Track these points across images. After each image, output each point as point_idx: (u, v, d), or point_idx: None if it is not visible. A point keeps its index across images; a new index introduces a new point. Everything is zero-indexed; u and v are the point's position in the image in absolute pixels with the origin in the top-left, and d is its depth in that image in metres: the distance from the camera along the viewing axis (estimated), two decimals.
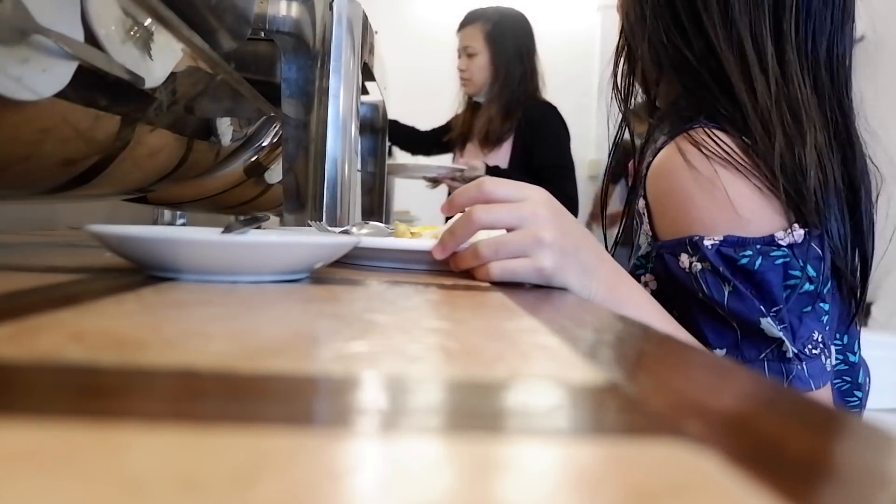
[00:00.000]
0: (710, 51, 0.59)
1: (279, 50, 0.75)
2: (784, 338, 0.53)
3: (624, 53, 0.69)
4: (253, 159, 0.90)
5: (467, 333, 0.27)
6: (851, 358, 0.62)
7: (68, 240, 0.78)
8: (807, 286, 0.54)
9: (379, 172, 1.39)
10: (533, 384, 0.19)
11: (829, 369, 0.56)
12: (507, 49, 1.93)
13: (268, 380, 0.18)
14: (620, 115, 0.71)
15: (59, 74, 0.39)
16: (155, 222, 1.28)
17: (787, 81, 0.58)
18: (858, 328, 0.64)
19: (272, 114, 0.81)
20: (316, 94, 0.75)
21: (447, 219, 0.68)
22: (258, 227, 0.48)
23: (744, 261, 0.54)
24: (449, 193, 2.07)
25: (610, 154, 0.74)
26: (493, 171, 1.86)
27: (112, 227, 0.39)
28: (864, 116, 0.62)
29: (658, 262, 0.61)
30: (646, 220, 0.63)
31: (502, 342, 0.26)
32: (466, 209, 0.51)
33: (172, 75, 0.52)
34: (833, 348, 0.59)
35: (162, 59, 0.50)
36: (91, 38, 0.41)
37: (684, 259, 0.57)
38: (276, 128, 0.88)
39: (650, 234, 0.62)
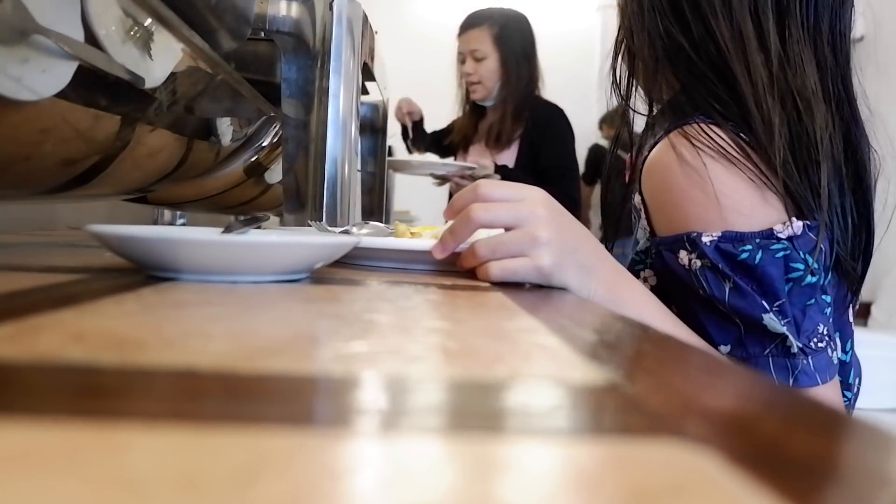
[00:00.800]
0: (709, 35, 0.58)
1: (279, 50, 0.75)
2: (788, 333, 0.53)
3: (623, 48, 0.68)
4: (253, 159, 0.90)
5: (467, 333, 0.27)
6: (842, 357, 0.62)
7: (68, 240, 0.78)
8: (809, 278, 0.54)
9: (379, 172, 1.39)
10: (533, 384, 0.19)
11: (835, 362, 0.56)
12: (516, 51, 1.92)
13: (268, 380, 0.18)
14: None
15: (59, 74, 0.39)
16: (155, 222, 1.28)
17: (790, 59, 0.57)
18: (853, 327, 0.64)
19: (272, 114, 0.81)
20: (316, 94, 0.75)
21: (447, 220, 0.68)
22: (258, 227, 0.48)
23: (744, 255, 0.54)
24: (451, 193, 2.07)
25: (609, 151, 0.74)
26: (501, 170, 1.86)
27: (112, 227, 0.39)
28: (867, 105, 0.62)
29: (657, 259, 0.60)
30: (643, 214, 0.62)
31: (502, 342, 0.26)
32: (466, 210, 0.51)
33: (172, 75, 0.52)
34: (839, 340, 0.59)
35: (162, 59, 0.50)
36: (91, 38, 0.41)
37: (683, 256, 0.56)
38: (276, 128, 0.88)
39: (648, 229, 0.62)
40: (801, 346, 0.53)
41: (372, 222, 0.68)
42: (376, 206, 1.38)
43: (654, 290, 0.61)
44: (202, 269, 0.38)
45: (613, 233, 0.71)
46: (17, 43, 0.35)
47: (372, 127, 1.38)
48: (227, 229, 0.46)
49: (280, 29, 0.73)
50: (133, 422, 0.13)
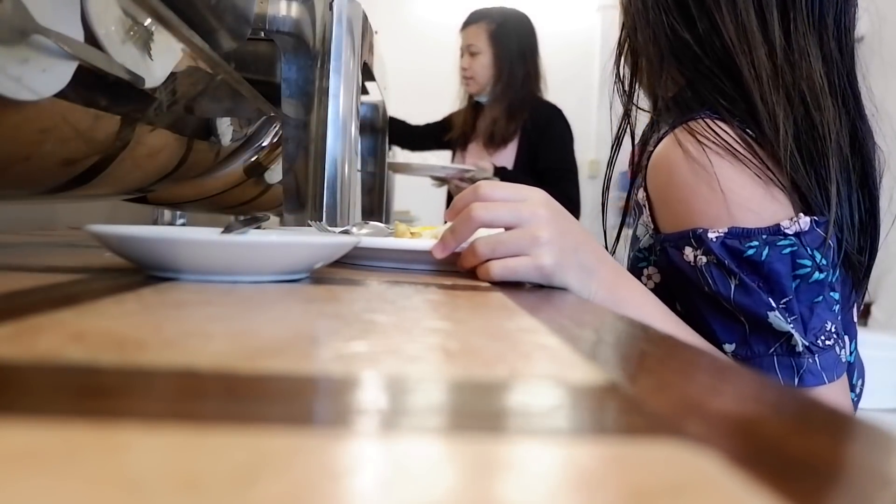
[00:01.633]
0: (714, 30, 0.58)
1: (279, 50, 0.75)
2: (793, 331, 0.52)
3: (626, 46, 0.68)
4: (253, 159, 0.90)
5: (467, 333, 0.27)
6: (847, 357, 0.61)
7: (68, 240, 0.78)
8: (816, 275, 0.53)
9: (379, 172, 1.39)
10: (533, 384, 0.19)
11: (843, 360, 0.55)
12: (511, 49, 1.93)
13: (268, 380, 0.18)
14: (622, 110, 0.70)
15: (59, 74, 0.39)
16: (155, 222, 1.28)
17: (795, 53, 0.57)
18: (857, 327, 0.63)
19: (272, 114, 0.81)
20: (316, 94, 0.75)
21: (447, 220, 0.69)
22: (258, 227, 0.48)
23: (750, 252, 0.53)
24: (450, 193, 2.08)
25: (612, 148, 0.73)
26: (499, 171, 1.86)
27: (112, 227, 0.39)
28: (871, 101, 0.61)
29: (662, 256, 0.60)
30: (646, 211, 0.62)
31: (502, 342, 0.26)
32: (466, 209, 0.51)
33: (172, 75, 0.52)
34: (847, 338, 0.58)
35: (162, 59, 0.50)
36: (91, 38, 0.41)
37: (688, 252, 0.56)
38: (276, 128, 0.88)
39: (651, 225, 0.61)
40: (807, 344, 0.53)
41: (372, 222, 0.68)
42: (376, 206, 1.38)
43: (658, 287, 0.61)
44: (202, 269, 0.38)
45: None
46: (17, 43, 0.35)
47: (372, 127, 1.38)
48: (227, 229, 0.46)
49: (280, 29, 0.73)
50: (133, 422, 0.13)
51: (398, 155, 2.30)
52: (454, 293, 0.41)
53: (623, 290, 0.53)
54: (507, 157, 1.95)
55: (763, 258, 0.53)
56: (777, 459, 0.14)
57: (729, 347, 0.55)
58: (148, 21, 0.48)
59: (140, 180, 0.63)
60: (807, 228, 0.53)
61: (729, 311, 0.55)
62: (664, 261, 0.59)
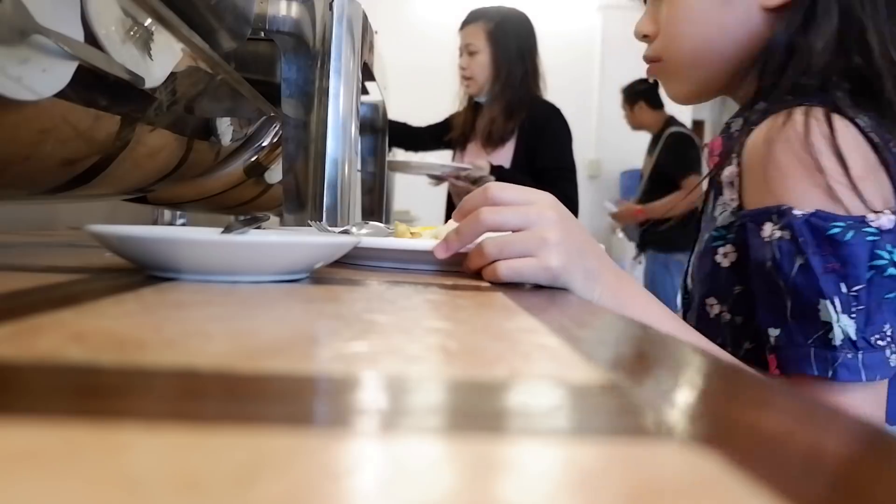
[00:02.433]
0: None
1: (279, 50, 0.75)
2: (840, 325, 0.52)
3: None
4: (253, 159, 0.90)
5: (467, 333, 0.27)
6: None
7: (68, 240, 0.78)
8: (891, 270, 0.53)
9: (379, 172, 1.39)
10: (533, 384, 0.19)
11: (892, 365, 0.54)
12: (509, 48, 1.93)
13: (268, 380, 0.18)
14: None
15: (59, 74, 0.39)
16: (155, 222, 1.28)
17: None
18: None
19: (272, 114, 0.81)
20: (316, 94, 0.75)
21: (447, 219, 0.69)
22: (258, 227, 0.48)
23: (833, 231, 0.53)
24: (449, 193, 2.08)
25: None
26: (496, 170, 1.86)
27: (112, 227, 0.39)
28: None
29: (739, 232, 0.59)
30: (728, 190, 0.62)
31: (502, 342, 0.26)
32: (474, 211, 0.51)
33: (172, 75, 0.52)
34: None
35: (162, 59, 0.50)
36: (91, 38, 0.41)
37: (767, 228, 0.55)
38: (276, 128, 0.88)
39: (734, 203, 0.61)
40: (854, 339, 0.52)
41: (372, 222, 0.68)
42: (376, 206, 1.38)
43: (732, 267, 0.61)
44: (202, 269, 0.38)
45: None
46: (17, 43, 0.35)
47: (372, 127, 1.38)
48: (227, 229, 0.46)
49: (280, 29, 0.73)
50: (133, 422, 0.13)
51: (397, 154, 2.30)
52: (454, 293, 0.41)
53: (626, 296, 0.53)
54: (504, 156, 1.94)
55: (845, 238, 0.52)
56: (776, 459, 0.14)
57: (773, 332, 0.55)
58: (148, 21, 0.48)
59: (140, 180, 0.63)
60: (891, 226, 0.53)
61: (779, 294, 0.54)
62: (741, 237, 0.59)
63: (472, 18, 1.98)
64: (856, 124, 0.56)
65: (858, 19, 0.59)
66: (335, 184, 0.75)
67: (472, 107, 2.05)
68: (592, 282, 0.50)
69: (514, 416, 0.16)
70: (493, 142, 1.94)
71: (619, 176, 4.33)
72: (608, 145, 4.11)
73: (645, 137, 3.37)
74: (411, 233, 0.62)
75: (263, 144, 0.89)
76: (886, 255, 0.53)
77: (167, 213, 1.30)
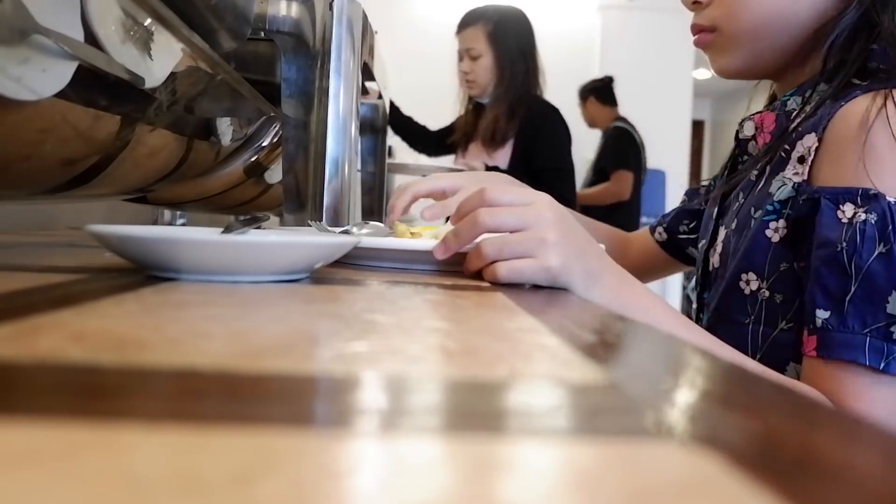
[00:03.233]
0: None
1: (279, 50, 0.75)
2: None
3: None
4: (253, 159, 0.90)
5: (467, 333, 0.27)
6: None
7: (68, 240, 0.78)
8: None
9: (379, 172, 1.39)
10: (533, 384, 0.19)
11: None
12: (511, 49, 1.92)
13: (268, 380, 0.18)
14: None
15: (59, 74, 0.39)
16: (155, 222, 1.28)
17: None
18: None
19: (272, 114, 0.81)
20: (316, 94, 0.75)
21: (447, 219, 0.69)
22: (258, 227, 0.48)
23: None
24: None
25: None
26: (491, 170, 1.85)
27: (112, 227, 0.39)
28: None
29: (805, 207, 0.57)
30: (796, 164, 0.60)
31: (502, 342, 0.26)
32: (472, 212, 0.51)
33: (172, 75, 0.52)
34: None
35: (162, 59, 0.50)
36: (91, 38, 0.41)
37: (848, 208, 0.53)
38: (276, 128, 0.88)
39: (799, 178, 0.59)
40: None
41: (372, 222, 0.68)
42: (376, 206, 1.38)
43: (783, 242, 0.59)
44: (202, 268, 0.38)
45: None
46: (17, 43, 0.35)
47: (372, 127, 1.38)
48: (227, 229, 0.46)
49: (280, 29, 0.73)
50: (133, 422, 0.13)
51: (396, 155, 2.30)
52: (454, 293, 0.41)
53: (628, 296, 0.52)
54: (503, 156, 1.94)
55: None
56: (776, 459, 0.14)
57: (822, 314, 0.54)
58: (148, 21, 0.48)
59: (140, 180, 0.63)
60: None
61: (841, 277, 0.53)
62: (805, 211, 0.57)
63: (470, 21, 1.97)
64: None
65: None
66: (335, 184, 0.75)
67: (473, 108, 2.05)
68: (593, 282, 0.50)
69: (514, 416, 0.16)
70: (495, 142, 1.93)
71: None
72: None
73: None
74: (411, 233, 0.62)
75: (263, 144, 0.89)
76: None
77: (167, 213, 1.30)
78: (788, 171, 0.61)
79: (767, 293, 0.60)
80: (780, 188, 0.60)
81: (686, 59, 4.32)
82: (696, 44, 0.68)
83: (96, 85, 0.43)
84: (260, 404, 0.16)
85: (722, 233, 0.69)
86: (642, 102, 4.25)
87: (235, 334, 0.24)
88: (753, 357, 0.60)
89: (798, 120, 0.62)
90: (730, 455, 0.13)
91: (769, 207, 0.61)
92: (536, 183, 1.50)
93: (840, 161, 0.56)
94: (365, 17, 0.80)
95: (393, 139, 2.12)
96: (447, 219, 0.67)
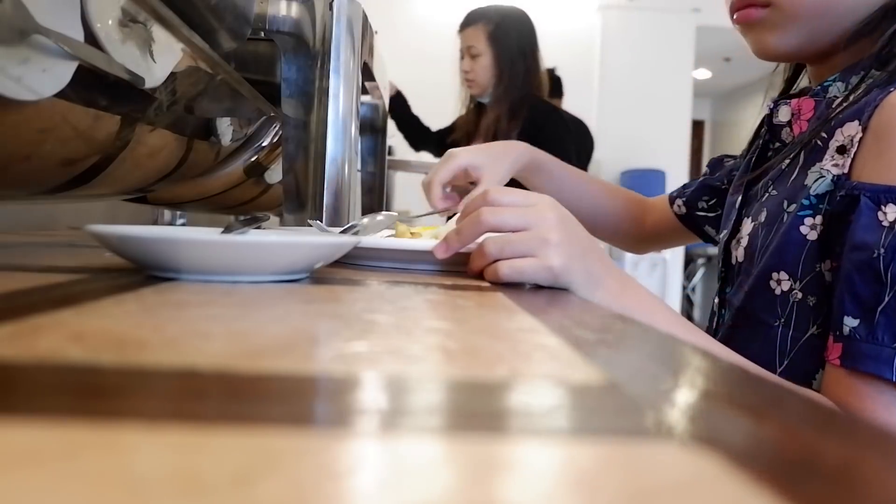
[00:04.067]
0: None
1: (279, 50, 0.75)
2: None
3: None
4: (253, 159, 0.90)
5: (467, 333, 0.27)
6: None
7: (68, 240, 0.78)
8: None
9: (379, 172, 1.39)
10: (533, 384, 0.19)
11: None
12: (511, 49, 1.92)
13: (268, 380, 0.18)
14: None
15: (59, 74, 0.39)
16: (155, 222, 1.28)
17: None
18: None
19: (272, 114, 0.81)
20: (316, 94, 0.75)
21: (448, 218, 0.69)
22: (258, 227, 0.48)
23: None
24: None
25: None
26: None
27: (112, 227, 0.39)
28: None
29: (842, 203, 0.53)
30: (835, 156, 0.55)
31: (502, 342, 0.26)
32: (474, 212, 0.51)
33: (172, 75, 0.52)
34: None
35: (162, 59, 0.50)
36: (91, 38, 0.41)
37: (890, 210, 0.49)
38: (276, 128, 0.88)
39: (843, 171, 0.54)
40: None
41: (383, 212, 0.68)
42: (376, 206, 1.38)
43: (819, 238, 0.55)
44: (202, 269, 0.38)
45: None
46: (17, 43, 0.35)
47: (372, 127, 1.38)
48: (227, 229, 0.46)
49: (280, 29, 0.73)
50: (133, 422, 0.13)
51: (396, 152, 2.30)
52: (454, 293, 0.41)
53: (629, 299, 0.52)
54: None
55: None
56: (776, 459, 0.14)
57: (851, 322, 0.50)
58: (148, 21, 0.48)
59: (140, 180, 0.63)
60: None
61: (877, 285, 0.49)
62: (842, 209, 0.53)
63: (472, 20, 1.98)
64: None
65: None
66: (335, 184, 0.75)
67: (475, 108, 2.05)
68: (594, 285, 0.50)
69: (514, 416, 0.16)
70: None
71: (619, 176, 4.34)
72: (608, 145, 4.11)
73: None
74: (411, 233, 0.62)
75: (263, 144, 0.89)
76: None
77: (167, 213, 1.30)
78: (826, 162, 0.56)
79: (800, 295, 0.56)
80: (817, 181, 0.56)
81: (686, 59, 4.32)
82: (740, 20, 0.62)
83: (96, 85, 0.43)
84: (260, 404, 0.16)
85: (748, 225, 0.65)
86: (642, 102, 4.26)
87: (235, 334, 0.24)
88: (780, 362, 0.57)
89: (841, 107, 0.57)
90: (730, 455, 0.13)
91: (804, 202, 0.56)
92: None
93: (886, 155, 0.52)
94: (365, 17, 0.80)
95: (392, 139, 2.12)
96: (447, 219, 0.67)
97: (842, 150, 0.55)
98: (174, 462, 0.11)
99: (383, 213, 0.68)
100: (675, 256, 4.51)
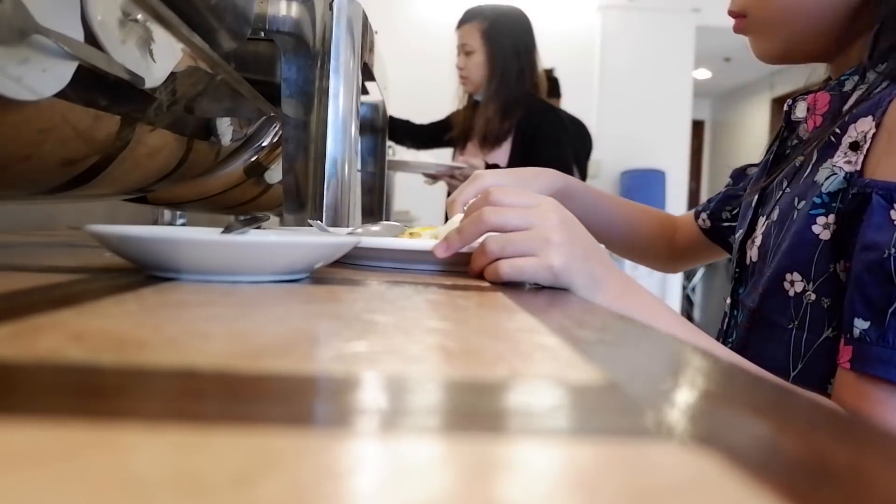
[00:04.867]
0: None
1: (279, 50, 0.75)
2: None
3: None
4: (253, 159, 0.90)
5: (467, 333, 0.27)
6: None
7: (68, 240, 0.78)
8: None
9: (379, 172, 1.39)
10: (533, 384, 0.19)
11: None
12: (505, 47, 1.92)
13: (268, 380, 0.18)
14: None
15: (59, 74, 0.39)
16: (155, 222, 1.28)
17: None
18: None
19: (272, 114, 0.81)
20: (316, 94, 0.75)
21: (446, 219, 0.69)
22: (258, 227, 0.48)
23: None
24: (449, 193, 2.07)
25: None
26: (492, 168, 1.85)
27: (112, 227, 0.39)
28: None
29: (854, 201, 0.52)
30: (848, 152, 0.54)
31: (502, 342, 0.26)
32: (476, 211, 0.51)
33: (172, 75, 0.52)
34: None
35: (162, 59, 0.50)
36: (91, 38, 0.41)
37: None
38: (276, 128, 0.88)
39: (855, 168, 0.53)
40: None
41: (384, 222, 0.68)
42: (376, 206, 1.38)
43: (832, 238, 0.53)
44: (202, 269, 0.38)
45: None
46: (17, 43, 0.35)
47: (372, 127, 1.38)
48: (227, 229, 0.46)
49: (280, 29, 0.73)
50: (133, 422, 0.13)
51: (396, 152, 2.30)
52: (454, 293, 0.41)
53: (631, 302, 0.51)
54: (501, 155, 1.94)
55: None
56: (776, 459, 0.14)
57: (861, 324, 0.49)
58: (148, 21, 0.48)
59: (140, 180, 0.63)
60: None
61: (888, 286, 0.48)
62: (854, 207, 0.52)
63: (468, 18, 1.98)
64: None
65: None
66: (335, 184, 0.75)
67: (472, 105, 2.05)
68: (595, 286, 0.49)
69: (514, 416, 0.16)
70: (489, 142, 1.93)
71: (619, 176, 4.34)
72: (608, 145, 4.12)
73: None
74: (411, 233, 0.62)
75: (263, 144, 0.89)
76: None
77: (167, 213, 1.30)
78: (839, 159, 0.55)
79: (813, 296, 0.54)
80: (829, 178, 0.54)
81: (686, 59, 4.32)
82: (734, 29, 0.65)
83: (96, 85, 0.43)
84: (260, 404, 0.16)
85: (762, 223, 0.64)
86: (642, 102, 4.26)
87: (235, 334, 0.24)
88: (794, 366, 0.56)
89: (853, 101, 0.56)
90: (730, 455, 0.13)
91: (816, 200, 0.55)
92: None
93: None
94: (365, 17, 0.80)
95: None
96: (447, 219, 0.67)
97: (854, 146, 0.54)
98: (174, 462, 0.11)
99: (382, 222, 0.67)
100: None
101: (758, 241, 0.63)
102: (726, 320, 0.69)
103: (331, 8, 0.75)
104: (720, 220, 0.85)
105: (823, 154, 0.57)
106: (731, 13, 0.65)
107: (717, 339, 0.68)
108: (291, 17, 0.73)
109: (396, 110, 2.00)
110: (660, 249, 0.95)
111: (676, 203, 4.35)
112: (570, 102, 2.90)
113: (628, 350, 0.28)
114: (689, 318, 5.67)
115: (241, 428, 0.13)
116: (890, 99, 0.52)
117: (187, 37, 0.53)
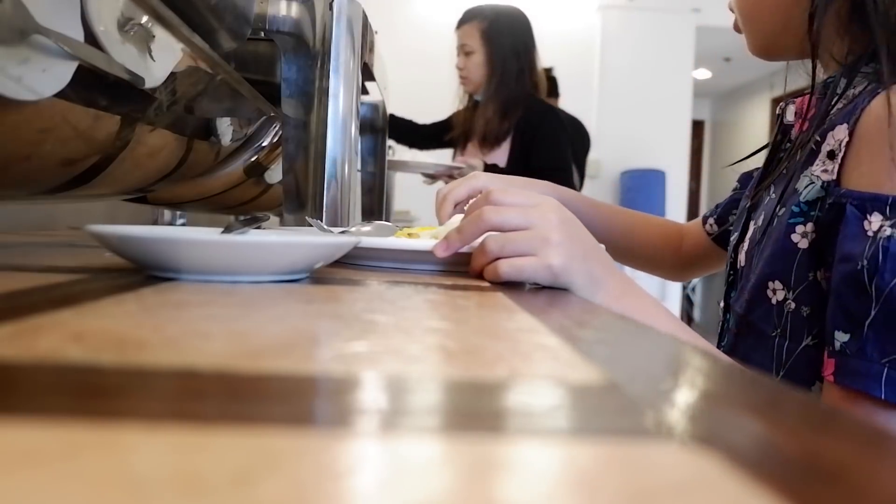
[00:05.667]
0: None
1: (279, 50, 0.75)
2: None
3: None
4: (253, 159, 0.90)
5: (467, 333, 0.27)
6: None
7: (68, 240, 0.78)
8: None
9: (379, 172, 1.39)
10: (533, 384, 0.19)
11: None
12: (504, 47, 1.92)
13: (268, 380, 0.18)
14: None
15: (59, 74, 0.39)
16: (155, 222, 1.28)
17: None
18: None
19: (272, 114, 0.81)
20: (316, 94, 0.75)
21: (436, 212, 0.69)
22: (258, 227, 0.48)
23: None
24: None
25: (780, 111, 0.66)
26: (490, 169, 1.85)
27: (112, 227, 0.39)
28: None
29: (831, 212, 0.51)
30: (825, 160, 0.54)
31: (502, 342, 0.26)
32: (477, 210, 0.51)
33: (172, 75, 0.52)
34: None
35: (162, 59, 0.50)
36: (91, 38, 0.41)
37: (875, 220, 0.47)
38: (276, 128, 0.88)
39: (831, 176, 0.53)
40: None
41: (376, 221, 0.68)
42: (376, 206, 1.38)
43: (811, 248, 0.54)
44: (202, 269, 0.38)
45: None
46: (17, 43, 0.35)
47: (372, 127, 1.38)
48: (227, 229, 0.46)
49: (280, 29, 0.73)
50: (133, 422, 0.13)
51: (396, 152, 2.30)
52: (454, 293, 0.41)
53: (630, 303, 0.51)
54: (500, 155, 1.94)
55: None
56: (776, 459, 0.14)
57: (841, 337, 0.49)
58: (148, 21, 0.48)
59: (140, 180, 0.63)
60: None
61: (863, 297, 0.47)
62: (830, 217, 0.51)
63: (467, 18, 1.98)
64: None
65: None
66: (335, 184, 0.75)
67: (473, 106, 2.05)
68: (595, 286, 0.49)
69: (514, 416, 0.16)
70: (488, 142, 1.93)
71: (618, 176, 4.34)
72: (608, 145, 4.12)
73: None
74: (409, 233, 0.62)
75: (263, 144, 0.89)
76: None
77: (167, 213, 1.30)
78: (817, 167, 0.54)
79: (793, 305, 0.55)
80: (807, 186, 0.54)
81: (686, 59, 4.32)
82: (734, 27, 0.68)
83: (96, 85, 0.43)
84: (260, 404, 0.16)
85: (751, 228, 0.64)
86: (642, 102, 4.26)
87: (235, 334, 0.24)
88: (777, 373, 0.56)
89: (835, 106, 0.56)
90: (729, 455, 0.13)
91: (795, 208, 0.55)
92: None
93: (872, 162, 0.50)
94: (365, 17, 0.80)
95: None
96: (436, 212, 0.67)
97: (831, 154, 0.54)
98: (174, 462, 0.11)
99: (375, 222, 0.67)
100: None
101: (745, 245, 0.64)
102: (720, 324, 0.70)
103: (331, 8, 0.75)
104: (727, 223, 0.85)
105: (804, 162, 0.57)
106: (730, 8, 0.68)
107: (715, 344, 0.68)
108: (291, 17, 0.73)
109: (396, 110, 2.01)
110: (664, 257, 0.94)
111: (676, 203, 4.35)
112: (570, 102, 2.90)
113: (628, 350, 0.28)
114: (690, 318, 5.67)
115: (241, 428, 0.13)
116: (863, 107, 0.52)
117: (187, 37, 0.53)
